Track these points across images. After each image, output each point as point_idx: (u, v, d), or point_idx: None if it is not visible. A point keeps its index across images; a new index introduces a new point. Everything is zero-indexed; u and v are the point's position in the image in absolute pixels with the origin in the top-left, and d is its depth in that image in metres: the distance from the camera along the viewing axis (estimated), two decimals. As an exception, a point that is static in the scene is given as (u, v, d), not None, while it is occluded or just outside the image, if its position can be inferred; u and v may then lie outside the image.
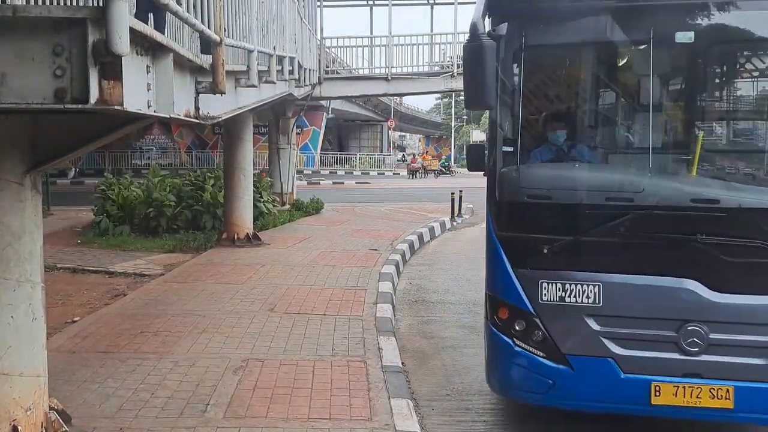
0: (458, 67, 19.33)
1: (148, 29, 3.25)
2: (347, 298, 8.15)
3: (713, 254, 4.01)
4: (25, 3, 4.42)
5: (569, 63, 4.89)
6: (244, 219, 12.33)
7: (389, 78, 19.33)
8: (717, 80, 4.92)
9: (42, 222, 4.12)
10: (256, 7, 7.47)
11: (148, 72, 3.40)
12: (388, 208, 19.91)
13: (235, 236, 12.05)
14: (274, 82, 9.27)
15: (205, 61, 4.89)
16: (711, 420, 4.24)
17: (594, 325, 4.16)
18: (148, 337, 6.45)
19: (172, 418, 4.65)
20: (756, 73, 4.68)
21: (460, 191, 18.20)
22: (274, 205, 15.45)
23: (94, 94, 2.70)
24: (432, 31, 21.15)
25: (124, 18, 2.69)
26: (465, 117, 69.92)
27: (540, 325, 4.26)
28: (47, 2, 4.81)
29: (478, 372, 6.07)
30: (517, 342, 4.34)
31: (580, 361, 4.21)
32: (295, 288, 8.62)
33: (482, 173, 4.74)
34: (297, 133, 20.12)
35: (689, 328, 4.03)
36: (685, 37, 4.17)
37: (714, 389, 4.02)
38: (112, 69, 2.76)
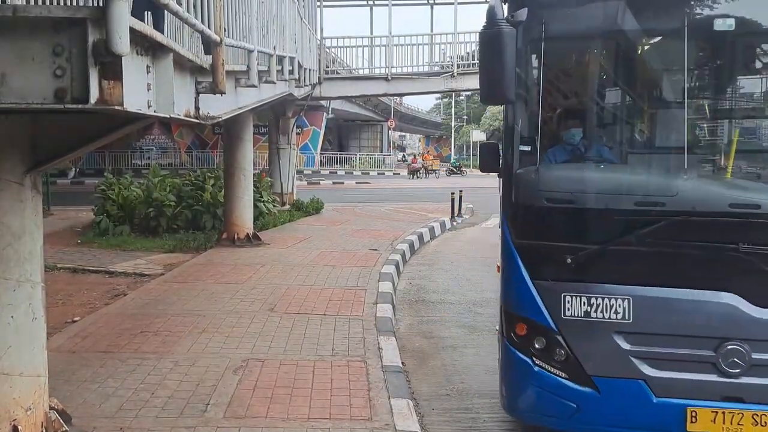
0: (458, 67, 19.37)
1: (148, 29, 3.25)
2: (347, 298, 8.15)
3: (755, 265, 3.63)
4: (25, 3, 4.42)
5: (594, 53, 4.44)
6: (244, 219, 12.34)
7: (389, 78, 19.33)
8: (757, 73, 4.44)
9: (42, 222, 4.12)
10: (256, 7, 7.48)
11: (148, 72, 3.40)
12: (388, 208, 19.91)
13: (235, 236, 12.05)
14: (274, 82, 9.27)
15: (205, 61, 4.89)
16: None
17: (623, 344, 3.80)
18: (148, 337, 6.45)
19: (172, 418, 4.65)
20: None
21: (460, 191, 18.21)
22: (274, 205, 15.45)
23: (94, 94, 2.71)
24: (432, 31, 21.15)
25: (124, 18, 2.69)
26: (465, 117, 69.96)
27: (562, 343, 3.89)
28: (47, 2, 4.81)
29: (478, 372, 6.08)
30: (537, 361, 3.98)
31: (608, 384, 3.84)
32: (295, 288, 8.62)
33: (497, 174, 4.41)
34: (297, 133, 20.12)
35: (729, 347, 3.65)
36: (724, 24, 3.78)
37: (757, 415, 3.62)
38: (112, 69, 2.76)
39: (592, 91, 4.45)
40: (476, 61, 19.96)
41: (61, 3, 5.05)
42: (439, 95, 64.33)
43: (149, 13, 4.82)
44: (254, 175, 13.69)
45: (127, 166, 33.67)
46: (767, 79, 4.41)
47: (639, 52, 4.40)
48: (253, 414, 4.74)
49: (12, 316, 3.87)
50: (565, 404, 3.92)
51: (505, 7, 3.89)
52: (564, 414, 3.93)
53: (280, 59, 10.07)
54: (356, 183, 34.07)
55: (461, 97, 66.44)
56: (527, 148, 4.05)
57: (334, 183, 33.50)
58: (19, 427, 3.91)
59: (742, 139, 4.19)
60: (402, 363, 6.02)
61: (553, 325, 3.92)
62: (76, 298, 8.30)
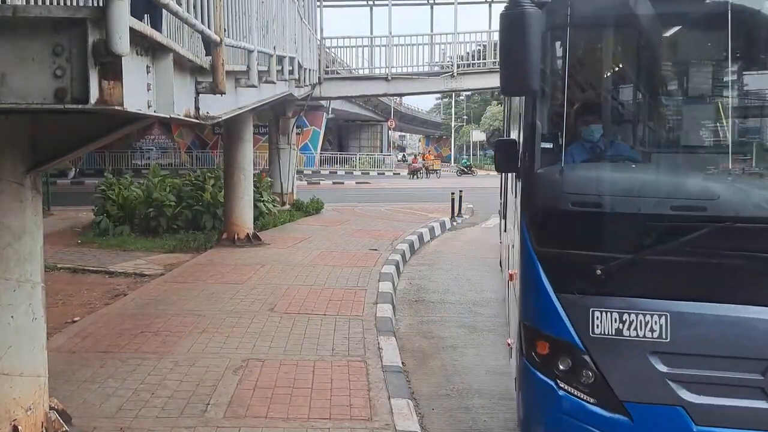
0: (458, 67, 19.38)
1: (148, 29, 3.25)
2: (347, 298, 8.15)
3: None
4: (25, 3, 4.42)
5: (626, 41, 4.00)
6: (244, 219, 12.34)
7: (389, 78, 19.33)
8: None
9: (42, 222, 4.12)
10: (256, 7, 7.48)
11: (148, 72, 3.40)
12: (388, 208, 19.91)
13: (236, 236, 12.06)
14: (274, 82, 9.27)
15: (205, 61, 4.89)
16: None
17: (659, 366, 3.43)
18: (148, 337, 6.45)
19: (172, 418, 4.66)
20: None
21: (460, 191, 18.21)
22: (274, 205, 15.45)
23: (94, 94, 2.71)
24: (432, 31, 21.14)
25: (124, 18, 2.69)
26: (465, 117, 69.96)
27: (591, 364, 3.51)
28: (47, 2, 4.81)
29: (478, 372, 6.08)
30: (562, 384, 3.60)
31: (642, 410, 3.46)
32: (295, 288, 8.62)
33: (514, 175, 4.09)
34: (297, 133, 20.12)
35: None
36: None
37: None
38: (112, 69, 2.76)
39: (622, 83, 4.11)
40: (476, 62, 20.03)
41: (61, 3, 5.05)
42: (439, 95, 64.38)
43: (147, 15, 4.82)
44: (254, 175, 13.70)
45: (127, 166, 33.66)
46: None
47: (678, 39, 4.01)
48: (253, 414, 4.74)
49: (12, 316, 3.87)
50: None
51: None
52: None
53: (280, 59, 10.07)
54: (356, 183, 34.06)
55: (461, 97, 66.48)
56: (549, 146, 3.68)
57: (334, 183, 33.50)
58: (19, 427, 3.92)
59: None
60: (402, 363, 6.02)
61: (580, 344, 3.53)
62: (76, 298, 8.30)
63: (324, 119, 42.00)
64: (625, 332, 3.47)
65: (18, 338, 3.91)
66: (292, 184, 18.58)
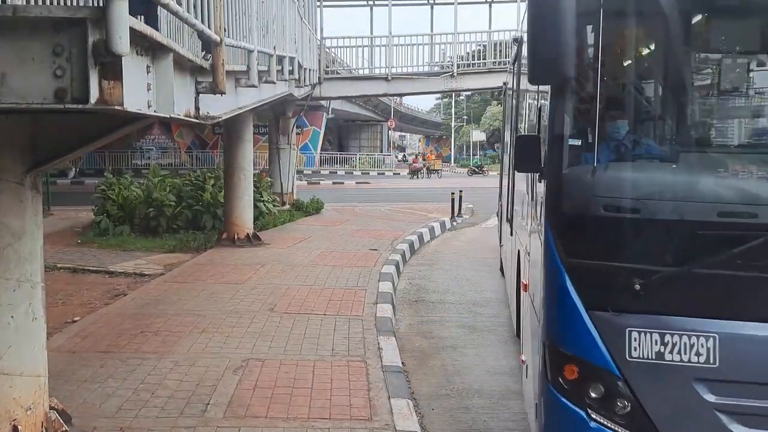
0: (458, 67, 19.38)
1: (148, 29, 3.25)
2: (347, 298, 8.15)
3: None
4: (25, 3, 4.42)
5: (668, 26, 3.51)
6: (244, 219, 12.34)
7: (389, 78, 19.33)
8: None
9: (42, 222, 4.12)
10: (256, 7, 7.48)
11: (148, 72, 3.40)
12: (388, 208, 19.91)
13: (236, 236, 12.06)
14: (274, 82, 9.27)
15: (205, 61, 4.89)
16: None
17: (706, 395, 3.07)
18: (148, 337, 6.45)
19: (172, 418, 4.66)
20: None
21: (460, 191, 18.22)
22: (274, 205, 15.46)
23: (94, 94, 2.71)
24: (432, 31, 21.13)
25: (124, 18, 2.69)
26: (465, 117, 69.97)
27: (627, 391, 3.15)
28: (47, 2, 4.81)
29: (478, 372, 6.08)
30: (593, 415, 3.21)
31: None
32: (295, 288, 8.62)
33: (537, 176, 3.75)
34: (297, 133, 20.12)
35: None
36: None
37: None
38: (112, 69, 2.76)
39: (661, 74, 3.66)
40: (476, 62, 20.03)
41: (61, 3, 5.05)
42: (439, 95, 64.39)
43: (141, 16, 4.82)
44: (254, 175, 13.70)
45: (127, 166, 33.66)
46: None
47: (729, 26, 3.62)
48: (253, 414, 4.74)
49: (12, 316, 3.87)
50: None
51: None
52: None
53: (280, 59, 10.07)
54: (356, 183, 34.07)
55: (461, 97, 66.47)
56: (577, 143, 3.33)
57: (334, 183, 33.51)
58: (19, 427, 3.92)
59: None
60: (402, 363, 6.02)
61: (615, 369, 3.16)
62: (76, 298, 8.30)
63: (324, 119, 42.01)
64: (667, 356, 3.10)
65: (18, 338, 3.91)
66: (292, 184, 18.59)
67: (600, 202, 3.21)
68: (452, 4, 19.99)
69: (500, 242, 10.32)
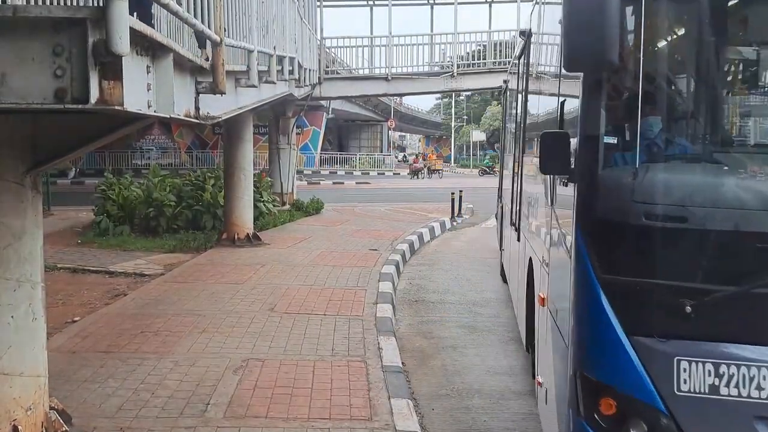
0: (458, 67, 19.38)
1: (149, 29, 3.26)
2: (347, 298, 8.15)
3: None
4: (25, 3, 4.42)
5: (720, 12, 3.10)
6: (244, 219, 12.34)
7: (389, 78, 19.34)
8: None
9: (42, 222, 4.12)
10: (256, 7, 7.48)
11: (148, 72, 3.40)
12: (388, 208, 19.92)
13: (236, 236, 12.06)
14: (274, 82, 9.28)
15: (205, 61, 4.89)
16: None
17: None
18: (149, 337, 6.45)
19: (172, 418, 4.65)
20: None
21: (460, 191, 18.23)
22: (274, 205, 15.46)
23: (94, 94, 2.71)
24: (432, 31, 21.14)
25: (124, 18, 2.69)
26: (465, 117, 69.98)
27: (675, 430, 2.77)
28: (47, 2, 4.81)
29: (478, 372, 6.08)
30: None
31: None
32: (295, 288, 8.62)
33: (566, 179, 3.28)
34: (297, 133, 20.13)
35: None
36: None
37: None
38: (112, 69, 2.76)
39: (715, 66, 3.19)
40: (476, 62, 20.03)
41: (61, 3, 5.05)
42: (439, 95, 64.40)
43: (135, 14, 4.83)
44: (254, 175, 13.70)
45: (127, 166, 33.67)
46: None
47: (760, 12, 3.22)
48: (253, 414, 4.74)
49: (12, 316, 3.87)
50: None
51: None
52: None
53: (280, 59, 10.07)
54: (356, 183, 34.08)
55: (461, 97, 66.47)
56: (613, 141, 2.94)
57: (334, 183, 33.51)
58: (19, 427, 3.92)
59: None
60: (402, 363, 6.02)
61: (660, 404, 2.76)
62: (76, 298, 8.30)
63: (324, 119, 42.02)
64: (723, 390, 2.70)
65: (18, 338, 3.92)
66: (292, 184, 18.59)
67: (642, 209, 2.80)
68: (452, 4, 20.00)
69: (500, 246, 10.14)
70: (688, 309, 2.71)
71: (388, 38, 19.59)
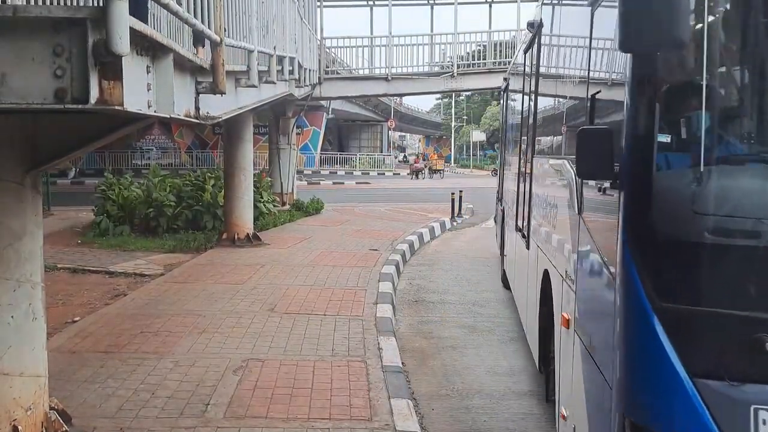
0: (458, 67, 19.38)
1: (149, 29, 3.25)
2: (347, 298, 8.15)
3: None
4: (25, 3, 4.42)
5: None
6: (245, 219, 12.35)
7: (389, 78, 19.34)
8: None
9: (42, 222, 4.12)
10: (256, 7, 7.48)
11: (148, 72, 3.40)
12: (388, 208, 19.93)
13: (236, 236, 12.06)
14: (274, 82, 9.28)
15: (205, 60, 4.89)
16: None
17: None
18: (148, 337, 6.45)
19: (172, 418, 4.65)
20: None
21: (460, 191, 18.24)
22: (274, 205, 15.46)
23: (94, 94, 2.71)
24: (432, 31, 21.14)
25: (124, 18, 2.69)
26: (465, 117, 69.99)
27: None
28: (47, 2, 4.81)
29: (478, 372, 6.08)
30: None
31: None
32: (295, 288, 8.62)
33: (608, 185, 2.76)
34: (297, 134, 20.14)
35: None
36: None
37: None
38: (112, 69, 2.76)
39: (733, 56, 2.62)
40: (476, 62, 20.03)
41: (62, 3, 5.05)
42: (439, 95, 64.39)
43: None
44: (254, 175, 13.71)
45: (127, 166, 33.67)
46: None
47: None
48: (253, 414, 4.74)
49: (12, 316, 3.87)
50: None
51: None
52: None
53: (280, 59, 10.07)
54: (356, 183, 34.09)
55: (461, 98, 66.50)
56: (666, 140, 2.46)
57: (334, 183, 33.52)
58: (19, 427, 3.92)
59: None
60: (402, 363, 6.02)
61: None
62: (76, 298, 8.30)
63: (324, 119, 42.03)
64: None
65: (18, 338, 3.91)
66: (292, 184, 18.60)
67: (711, 222, 2.34)
68: (452, 4, 20.00)
69: (502, 251, 9.89)
70: None
71: (388, 38, 19.59)
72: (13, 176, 3.81)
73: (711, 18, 2.39)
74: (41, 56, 2.67)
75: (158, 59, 3.58)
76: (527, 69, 6.81)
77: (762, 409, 2.27)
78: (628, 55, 2.49)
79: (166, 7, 3.61)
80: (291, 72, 11.79)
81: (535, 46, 6.04)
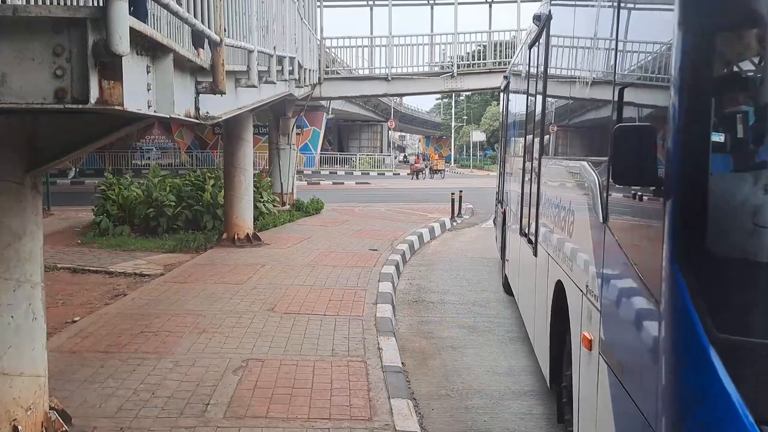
0: (458, 67, 19.38)
1: (149, 29, 3.26)
2: (347, 298, 8.15)
3: None
4: (25, 3, 4.42)
5: None
6: (245, 219, 12.35)
7: (389, 78, 19.34)
8: None
9: (42, 222, 4.12)
10: (256, 7, 7.48)
11: (148, 72, 3.41)
12: (388, 208, 19.93)
13: (236, 236, 12.06)
14: (274, 83, 9.28)
15: (205, 61, 4.90)
16: None
17: None
18: (148, 337, 6.45)
19: (172, 418, 4.65)
20: None
21: (460, 192, 18.24)
22: (274, 205, 15.47)
23: (94, 94, 2.71)
24: (432, 31, 21.13)
25: (124, 18, 2.69)
26: (465, 117, 70.00)
27: None
28: (47, 2, 4.81)
29: (478, 372, 6.08)
30: None
31: None
32: (295, 288, 8.62)
33: (650, 192, 2.38)
34: (297, 134, 20.13)
35: None
36: None
37: None
38: (112, 69, 2.76)
39: None
40: (476, 62, 20.02)
41: (62, 3, 5.05)
42: (439, 95, 64.41)
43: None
44: (254, 175, 13.71)
45: (127, 166, 33.69)
46: None
47: None
48: (253, 414, 4.74)
49: (12, 316, 3.87)
50: None
51: None
52: None
53: (280, 59, 10.08)
54: (356, 183, 34.09)
55: (461, 98, 66.52)
56: (720, 139, 2.13)
57: (334, 183, 33.52)
58: (19, 427, 3.92)
59: None
60: (402, 363, 6.02)
61: None
62: (76, 298, 8.30)
63: (324, 119, 42.04)
64: None
65: (18, 338, 3.92)
66: (292, 185, 18.60)
67: None
68: (452, 4, 20.00)
69: (502, 255, 9.66)
70: None
71: (388, 38, 19.59)
72: (13, 176, 3.81)
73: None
74: (41, 56, 2.67)
75: (158, 59, 3.58)
76: (533, 65, 6.42)
77: None
78: (677, 36, 2.13)
79: (166, 7, 3.61)
80: (291, 72, 11.79)
81: (543, 40, 5.66)
